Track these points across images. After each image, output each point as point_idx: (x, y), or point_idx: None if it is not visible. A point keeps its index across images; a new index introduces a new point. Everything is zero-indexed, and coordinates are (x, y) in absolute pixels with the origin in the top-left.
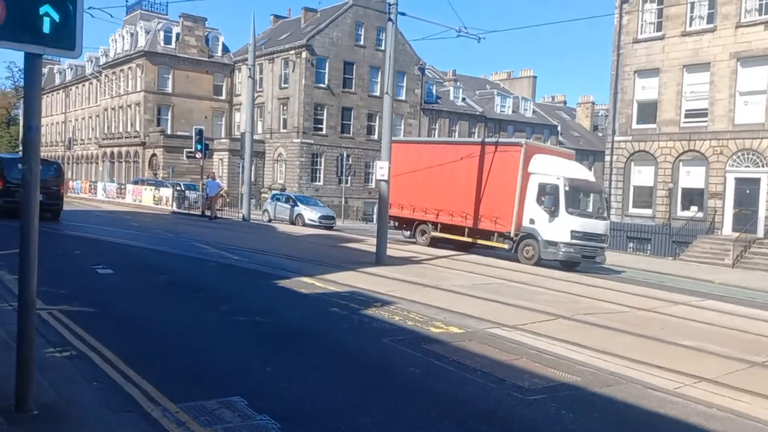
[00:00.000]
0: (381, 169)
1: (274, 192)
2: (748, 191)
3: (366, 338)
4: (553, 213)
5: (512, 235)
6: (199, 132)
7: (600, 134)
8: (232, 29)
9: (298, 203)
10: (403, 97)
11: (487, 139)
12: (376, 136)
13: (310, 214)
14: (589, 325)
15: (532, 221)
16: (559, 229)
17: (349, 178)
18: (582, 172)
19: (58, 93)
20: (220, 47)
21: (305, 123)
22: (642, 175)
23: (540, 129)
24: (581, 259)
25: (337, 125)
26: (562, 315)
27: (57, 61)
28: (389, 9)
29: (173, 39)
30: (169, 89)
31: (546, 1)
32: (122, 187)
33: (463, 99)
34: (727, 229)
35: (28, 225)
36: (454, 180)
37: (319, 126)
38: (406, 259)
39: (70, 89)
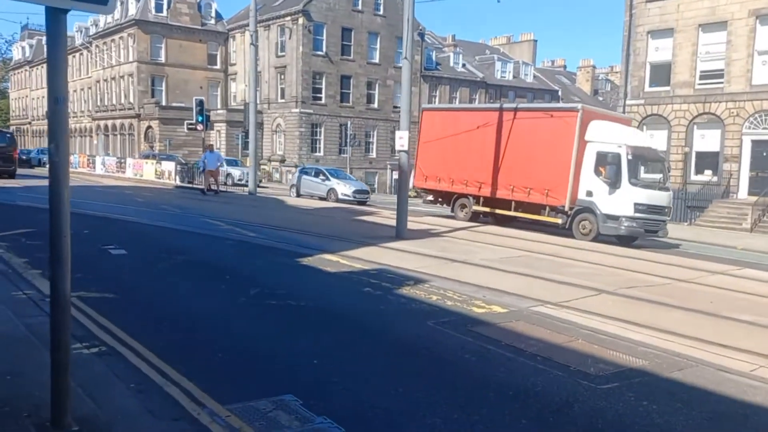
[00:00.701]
0: (400, 140)
1: (302, 165)
2: (765, 154)
3: (410, 322)
4: (613, 184)
5: (566, 208)
6: (200, 103)
7: (600, 98)
8: None
9: (330, 177)
10: (402, 64)
11: (538, 104)
12: (376, 105)
13: (344, 188)
14: (635, 300)
15: (589, 193)
16: (621, 202)
17: (350, 148)
18: (644, 140)
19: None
20: (213, 14)
21: (304, 92)
22: (655, 139)
23: (541, 94)
24: (644, 234)
25: (336, 94)
26: (604, 290)
27: (44, 32)
28: None
29: (164, 6)
30: (162, 59)
31: None
32: (122, 161)
33: (464, 65)
34: (743, 192)
35: (59, 214)
36: (498, 150)
37: (318, 95)
38: (425, 232)
39: None
